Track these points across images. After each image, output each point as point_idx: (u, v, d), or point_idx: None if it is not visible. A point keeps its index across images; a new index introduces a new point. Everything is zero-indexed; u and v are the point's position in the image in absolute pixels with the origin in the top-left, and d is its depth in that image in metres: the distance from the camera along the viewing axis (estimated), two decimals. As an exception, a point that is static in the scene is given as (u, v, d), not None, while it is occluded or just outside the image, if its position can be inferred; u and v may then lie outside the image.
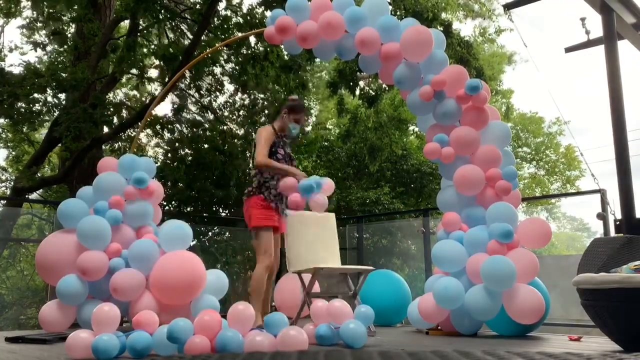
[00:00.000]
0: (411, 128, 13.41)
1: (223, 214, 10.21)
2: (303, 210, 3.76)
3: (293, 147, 11.17)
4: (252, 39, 9.42)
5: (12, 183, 10.10)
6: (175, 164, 9.96)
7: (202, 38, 8.87)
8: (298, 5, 3.84)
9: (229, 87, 11.01)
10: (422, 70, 3.73)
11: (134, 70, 9.37)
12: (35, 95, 8.18)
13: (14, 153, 11.53)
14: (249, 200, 3.65)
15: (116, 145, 10.49)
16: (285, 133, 3.85)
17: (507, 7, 5.32)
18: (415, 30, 3.61)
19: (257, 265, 3.56)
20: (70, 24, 10.17)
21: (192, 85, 10.39)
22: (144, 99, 11.86)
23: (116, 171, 3.54)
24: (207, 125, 10.71)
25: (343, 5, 3.81)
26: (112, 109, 9.08)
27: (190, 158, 10.11)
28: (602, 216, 4.17)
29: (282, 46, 4.22)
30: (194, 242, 7.57)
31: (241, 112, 11.15)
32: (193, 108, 11.06)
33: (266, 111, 10.64)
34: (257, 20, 9.03)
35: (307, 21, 3.81)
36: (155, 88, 10.68)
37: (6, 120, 9.11)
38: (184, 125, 10.66)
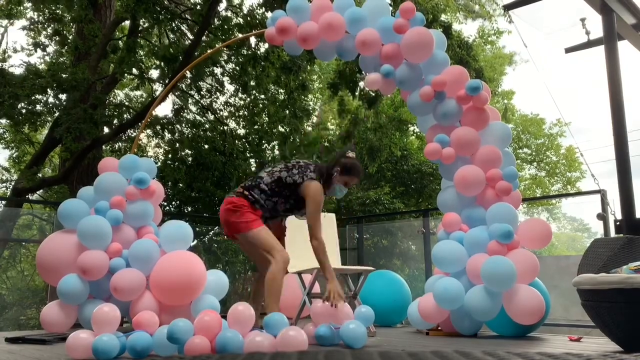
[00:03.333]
0: (411, 128, 13.43)
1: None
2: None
3: (292, 147, 11.16)
4: (253, 40, 9.43)
5: (13, 184, 10.12)
6: (175, 164, 9.97)
7: (203, 39, 8.88)
8: (298, 6, 3.84)
9: (230, 88, 11.03)
10: (423, 71, 3.74)
11: (134, 71, 9.37)
12: (37, 95, 8.18)
13: (16, 154, 11.54)
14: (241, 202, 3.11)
15: (116, 145, 10.50)
16: (327, 194, 3.24)
17: (507, 8, 5.33)
18: (417, 32, 3.61)
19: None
20: (71, 23, 10.18)
21: (192, 86, 10.40)
22: (144, 97, 11.88)
23: (117, 171, 3.54)
24: (207, 126, 10.72)
25: (343, 6, 3.81)
26: (116, 111, 9.09)
27: (190, 158, 10.11)
28: (602, 216, 4.17)
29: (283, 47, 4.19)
30: (194, 242, 7.57)
31: (242, 113, 11.16)
32: (193, 108, 11.07)
33: (266, 111, 10.64)
34: (257, 21, 9.03)
35: (307, 22, 3.81)
36: (156, 88, 10.69)
37: (7, 121, 9.12)
38: (184, 126, 10.66)
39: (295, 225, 3.99)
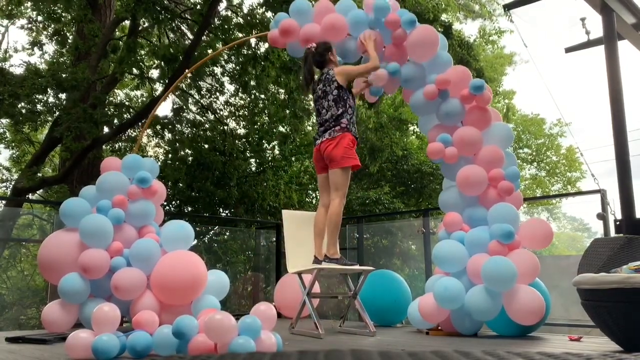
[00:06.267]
0: (412, 128, 13.43)
1: (223, 214, 10.21)
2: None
3: (293, 146, 11.16)
4: (253, 40, 9.43)
5: (13, 183, 10.11)
6: (176, 164, 9.96)
7: (203, 38, 8.88)
8: (301, 9, 3.86)
9: (230, 88, 11.03)
10: (426, 70, 3.74)
11: (134, 71, 9.37)
12: (37, 95, 8.18)
13: (17, 153, 11.55)
14: (344, 136, 3.58)
15: (116, 145, 10.50)
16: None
17: (507, 8, 5.33)
18: (422, 31, 3.62)
19: (338, 201, 3.59)
20: (71, 23, 10.18)
21: (192, 85, 10.40)
22: (145, 97, 11.87)
23: (119, 171, 3.54)
24: (207, 126, 10.71)
25: (346, 8, 3.83)
26: (116, 111, 9.08)
27: (190, 158, 10.11)
28: (602, 216, 4.17)
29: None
30: (195, 242, 7.57)
31: (242, 112, 11.16)
32: (193, 108, 11.07)
33: (267, 111, 10.64)
34: (257, 21, 9.03)
35: (310, 24, 3.83)
36: (156, 88, 10.69)
37: (7, 120, 9.12)
38: (184, 126, 10.66)
39: (296, 225, 4.00)
